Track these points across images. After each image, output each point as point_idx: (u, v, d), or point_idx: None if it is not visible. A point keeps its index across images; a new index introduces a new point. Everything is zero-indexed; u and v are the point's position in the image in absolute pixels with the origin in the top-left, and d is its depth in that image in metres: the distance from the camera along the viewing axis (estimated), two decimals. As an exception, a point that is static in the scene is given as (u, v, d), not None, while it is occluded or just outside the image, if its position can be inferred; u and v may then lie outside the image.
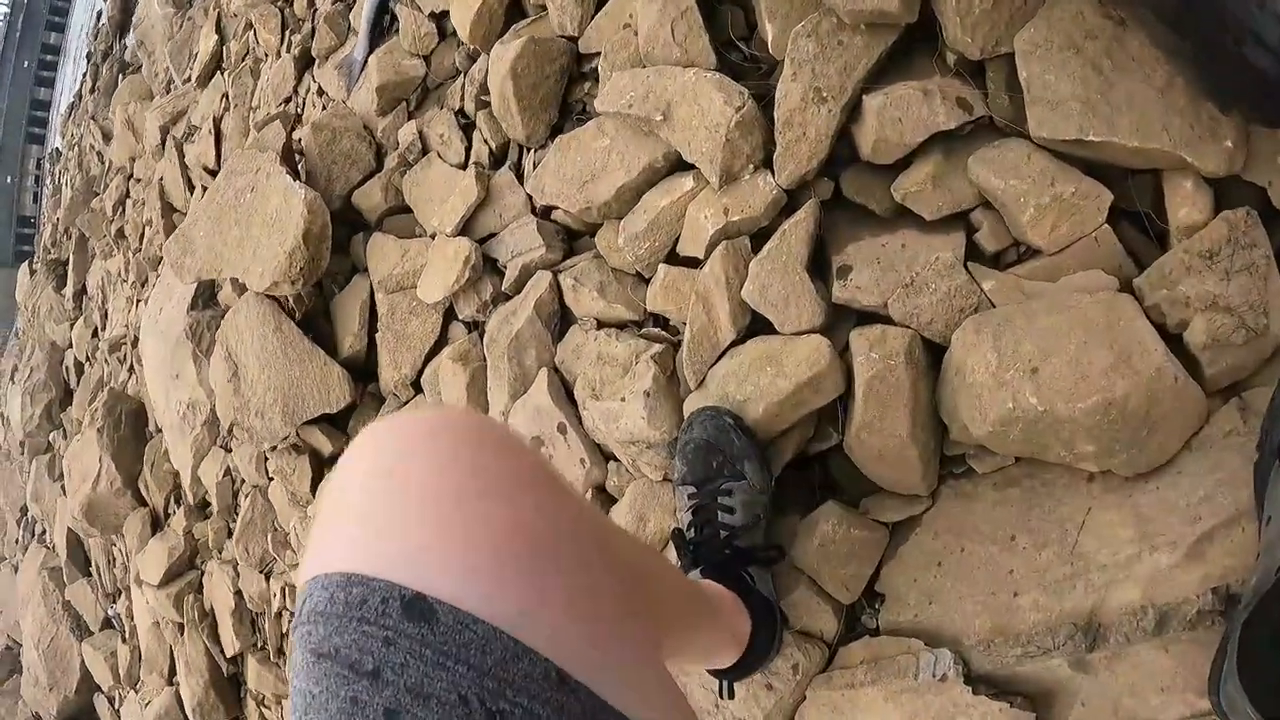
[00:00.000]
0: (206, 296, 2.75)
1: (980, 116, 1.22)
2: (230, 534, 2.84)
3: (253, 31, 3.06)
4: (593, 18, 1.57)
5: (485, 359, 1.70)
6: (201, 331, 2.67)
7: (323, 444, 2.08)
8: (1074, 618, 1.11)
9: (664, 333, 1.44)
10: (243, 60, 3.12)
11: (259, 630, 2.75)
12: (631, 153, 1.45)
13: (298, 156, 2.17)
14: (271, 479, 2.49)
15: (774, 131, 1.31)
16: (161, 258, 3.12)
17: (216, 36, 3.39)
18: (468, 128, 1.81)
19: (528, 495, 0.54)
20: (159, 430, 3.18)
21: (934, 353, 1.22)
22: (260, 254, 2.01)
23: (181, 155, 3.22)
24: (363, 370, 2.03)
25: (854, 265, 1.27)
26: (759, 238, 1.34)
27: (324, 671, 0.48)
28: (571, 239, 1.63)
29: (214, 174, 2.89)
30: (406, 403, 1.89)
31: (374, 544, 0.50)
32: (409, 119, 1.99)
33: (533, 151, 1.65)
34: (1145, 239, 1.17)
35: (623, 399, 1.39)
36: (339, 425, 2.09)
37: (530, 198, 1.65)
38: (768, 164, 1.33)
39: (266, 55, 2.93)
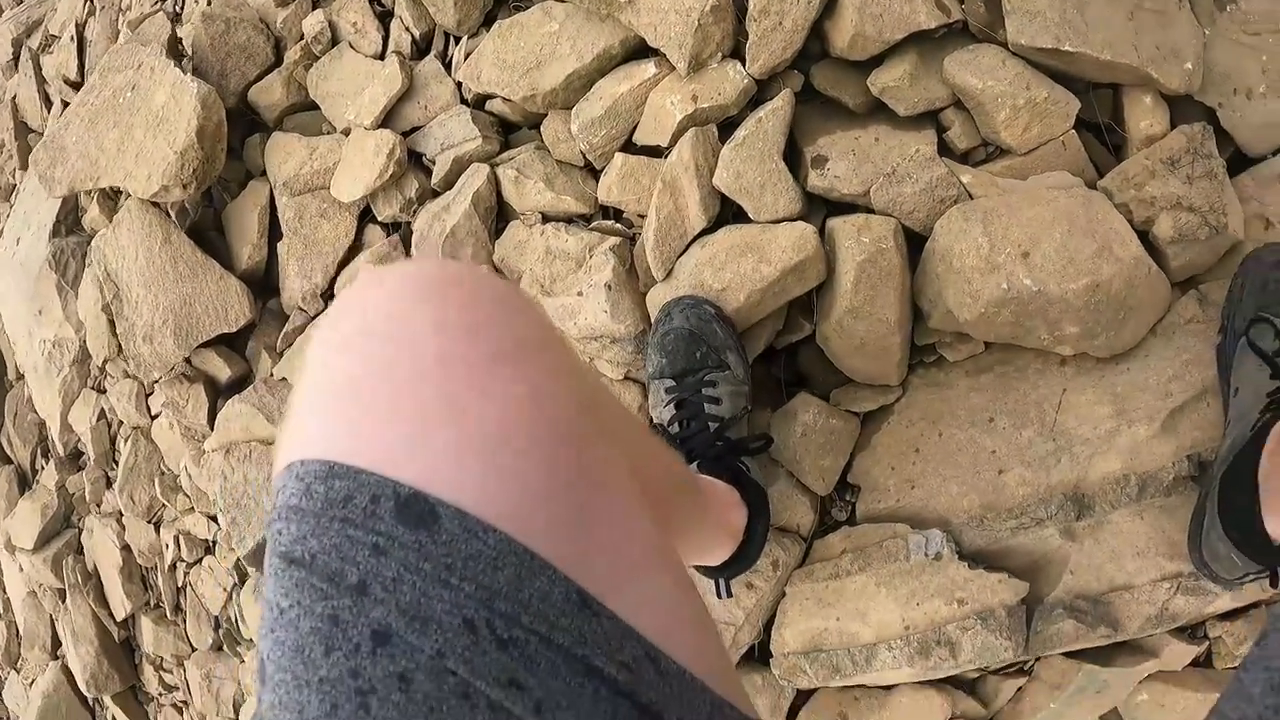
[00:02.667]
0: (70, 221, 2.17)
1: (956, 20, 1.05)
2: (110, 484, 2.28)
3: None
4: (537, -105, 1.25)
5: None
6: (66, 260, 2.10)
7: (219, 369, 1.66)
8: (1062, 489, 0.99)
9: (618, 225, 1.17)
10: None
11: (151, 587, 2.23)
12: (584, 38, 1.17)
13: (184, 52, 1.68)
14: (155, 417, 2.00)
15: (744, 20, 1.07)
16: (15, 185, 2.47)
17: None
18: (384, 16, 1.44)
19: (541, 361, 0.38)
20: (20, 377, 2.52)
21: (911, 242, 1.04)
22: (145, 157, 1.55)
23: (39, 69, 2.53)
24: (262, 284, 1.62)
25: (829, 156, 1.07)
26: (724, 127, 1.10)
27: (295, 581, 0.33)
28: (508, 131, 1.32)
29: (77, 86, 2.27)
30: (315, 316, 1.51)
31: (362, 426, 0.34)
32: (314, 7, 1.56)
33: (465, 39, 1.31)
34: (1102, 148, 1.10)
35: (579, 293, 1.11)
36: (236, 347, 1.67)
37: (460, 87, 1.32)
38: (736, 53, 1.10)
39: None
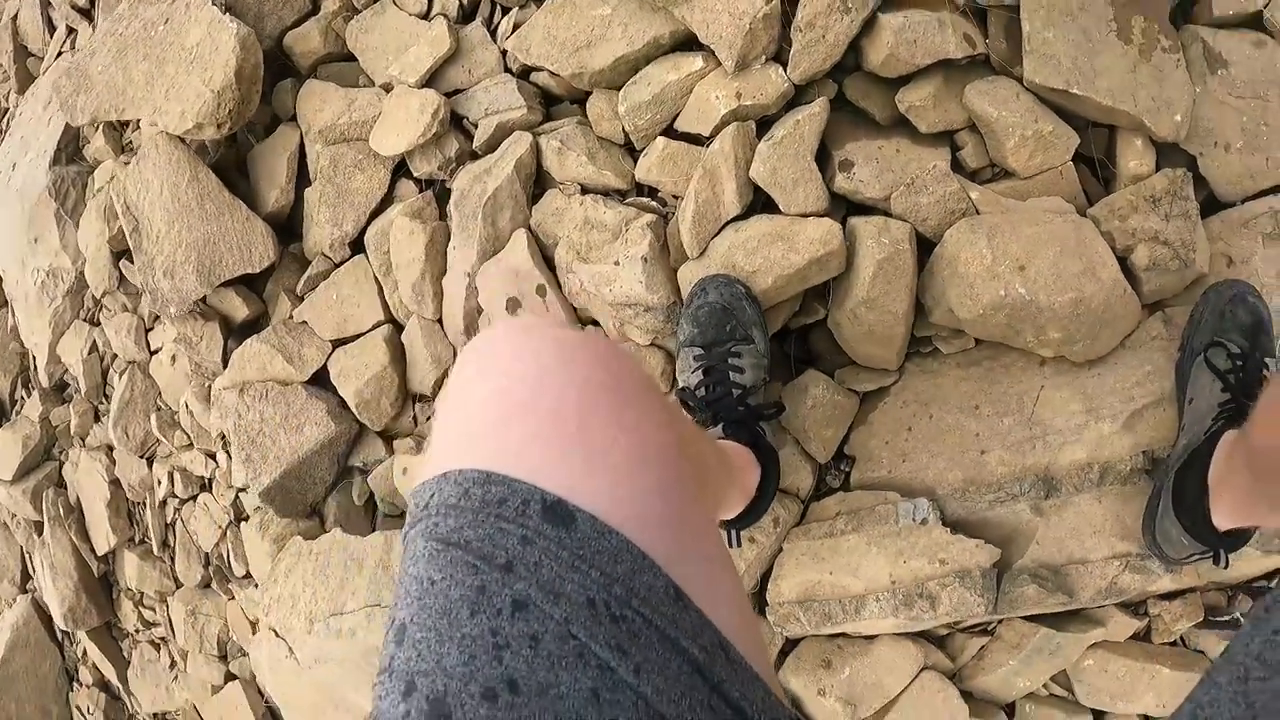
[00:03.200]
0: (70, 150, 2.14)
1: (980, 53, 1.16)
2: (98, 417, 2.26)
3: None
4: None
5: (443, 217, 1.42)
6: (66, 189, 2.08)
7: (236, 308, 1.68)
8: (1034, 471, 1.13)
9: (653, 203, 1.26)
10: None
11: (137, 522, 2.23)
12: (636, 25, 1.25)
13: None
14: (154, 352, 2.00)
15: (789, 29, 1.16)
16: (8, 109, 2.40)
17: None
18: (430, -22, 1.49)
19: (655, 412, 0.49)
20: (5, 305, 2.47)
21: (920, 246, 1.16)
22: (178, 93, 1.56)
23: None
24: (284, 228, 1.65)
25: (855, 161, 1.17)
26: (761, 125, 1.20)
27: (451, 559, 0.41)
28: (549, 103, 1.39)
29: (85, 12, 2.23)
30: (340, 264, 1.56)
31: (518, 447, 0.44)
32: (358, -36, 1.60)
33: (515, 11, 1.37)
34: (1094, 180, 1.23)
35: (616, 263, 1.20)
36: (254, 288, 1.70)
37: (504, 55, 1.38)
38: (778, 58, 1.19)
39: None
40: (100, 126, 2.06)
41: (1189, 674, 1.13)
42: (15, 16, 2.53)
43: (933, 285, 1.14)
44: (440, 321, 1.45)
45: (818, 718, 1.18)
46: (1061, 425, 1.12)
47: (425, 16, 1.47)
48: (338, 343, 1.58)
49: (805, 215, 1.15)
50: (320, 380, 1.62)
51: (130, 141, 2.11)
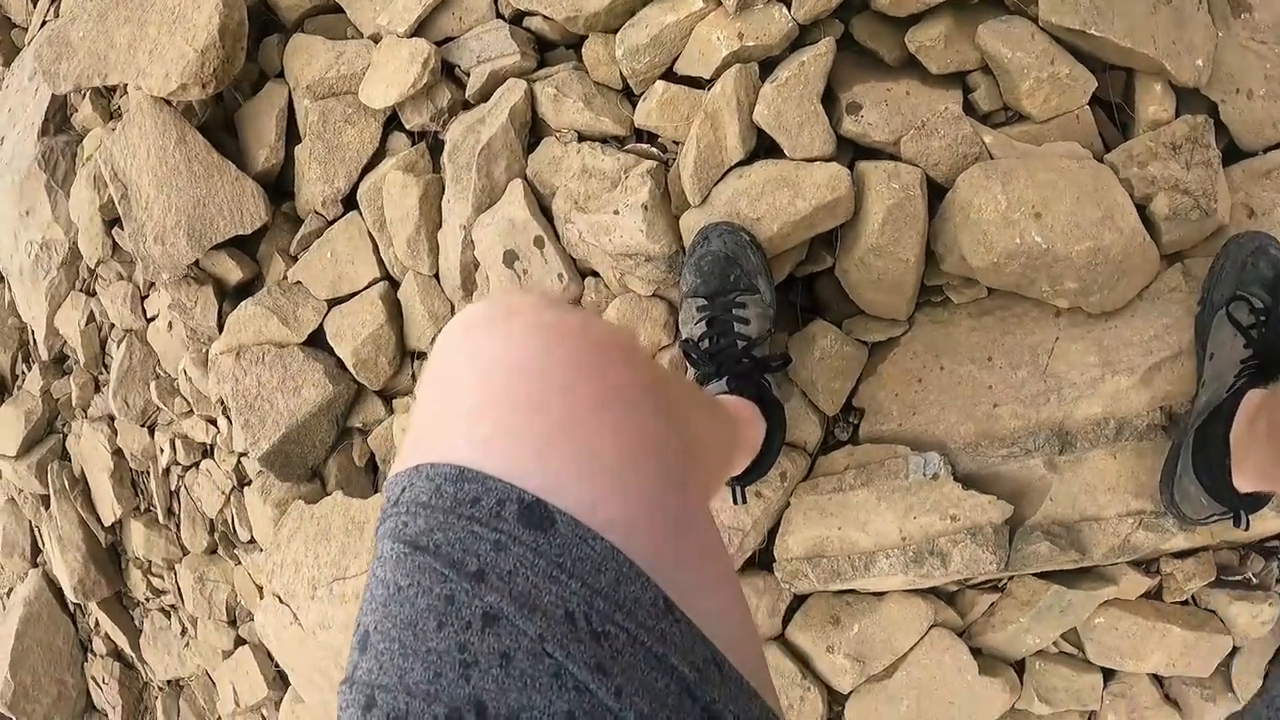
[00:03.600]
0: (59, 120, 2.09)
1: (998, -15, 1.10)
2: (98, 388, 2.22)
3: None
4: None
5: (436, 170, 1.38)
6: (56, 159, 2.03)
7: (229, 271, 1.64)
8: (1049, 425, 1.09)
9: (653, 149, 1.21)
10: None
11: (141, 491, 2.21)
12: (634, -35, 1.18)
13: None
14: (151, 320, 1.96)
15: (794, -37, 1.10)
16: None
17: None
18: (419, -77, 1.42)
19: (650, 403, 0.45)
20: (1, 280, 2.43)
21: (931, 191, 1.11)
22: (161, 55, 1.51)
23: None
24: (275, 188, 1.61)
25: (864, 104, 1.12)
26: (764, 66, 1.14)
27: (418, 565, 0.38)
28: (543, 49, 1.33)
29: None
30: (333, 221, 1.51)
31: (494, 440, 0.40)
32: (341, -92, 1.54)
33: (508, -45, 1.32)
34: (1111, 125, 1.18)
35: (615, 212, 1.16)
36: (247, 250, 1.65)
37: (496, 1, 1.32)
38: (782, -3, 1.13)
39: None
40: (86, 94, 2.01)
41: (1199, 633, 1.10)
42: None
43: (944, 232, 1.09)
44: (436, 276, 1.41)
45: (826, 674, 1.16)
46: (1076, 378, 1.08)
47: (415, -38, 1.40)
48: (333, 302, 1.54)
49: (811, 160, 1.10)
50: (316, 341, 1.58)
51: (118, 108, 2.05)
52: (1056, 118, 1.12)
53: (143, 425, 2.12)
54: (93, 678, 2.65)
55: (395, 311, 1.46)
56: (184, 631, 2.33)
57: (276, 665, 2.04)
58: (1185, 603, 1.16)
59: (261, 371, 1.58)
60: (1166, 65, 1.07)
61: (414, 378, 1.51)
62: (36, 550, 2.65)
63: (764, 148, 1.15)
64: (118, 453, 2.20)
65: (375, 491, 1.57)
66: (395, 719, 0.34)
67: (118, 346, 2.11)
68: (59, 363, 2.40)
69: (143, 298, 2.03)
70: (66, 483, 2.33)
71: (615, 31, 1.21)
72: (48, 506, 2.41)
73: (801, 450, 1.14)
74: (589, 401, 0.41)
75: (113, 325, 2.16)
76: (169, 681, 2.45)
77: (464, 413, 0.41)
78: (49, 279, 2.19)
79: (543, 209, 1.26)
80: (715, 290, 1.05)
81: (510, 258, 1.25)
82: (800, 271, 1.18)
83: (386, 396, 1.53)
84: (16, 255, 2.26)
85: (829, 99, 1.13)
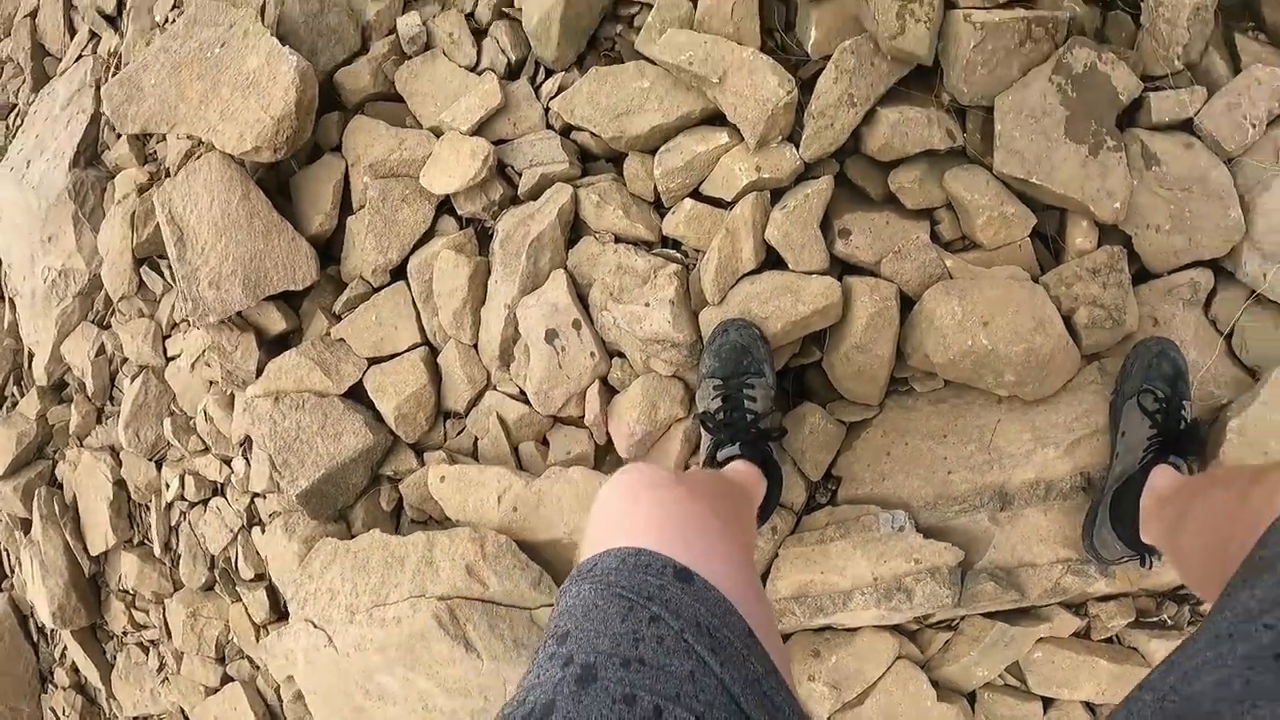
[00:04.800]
0: (89, 154, 2.39)
1: (959, 145, 1.53)
2: (101, 419, 2.51)
3: None
4: (640, -30, 1.66)
5: (482, 253, 1.73)
6: (86, 192, 2.34)
7: (273, 322, 1.97)
8: (992, 488, 1.51)
9: (677, 254, 1.58)
10: None
11: (138, 524, 2.47)
12: (671, 99, 1.59)
13: (269, 21, 1.97)
14: (171, 359, 2.26)
15: (803, 115, 1.51)
16: (16, 104, 2.63)
17: None
18: (477, 33, 1.81)
19: (731, 523, 0.88)
20: (2, 300, 2.67)
21: (902, 302, 1.53)
22: (234, 115, 1.85)
23: None
24: (323, 252, 1.94)
25: (853, 230, 1.52)
26: (775, 194, 1.54)
27: (609, 593, 0.70)
28: (585, 159, 1.71)
29: (109, 19, 2.49)
30: (379, 288, 1.87)
31: (657, 539, 0.75)
32: (405, 9, 1.90)
33: (560, 74, 1.70)
34: (1046, 252, 1.60)
35: (646, 304, 1.53)
36: (291, 304, 1.99)
37: (547, 112, 1.70)
38: (792, 139, 1.54)
39: None
40: (124, 135, 2.31)
41: (1123, 666, 1.50)
42: (34, 14, 2.77)
43: (912, 335, 1.50)
44: (475, 347, 1.75)
45: (808, 700, 1.51)
46: (1014, 451, 1.50)
47: (474, 69, 1.79)
48: (373, 360, 1.88)
49: (810, 273, 1.50)
50: (353, 394, 1.90)
51: (154, 152, 2.38)
52: (1003, 247, 1.54)
53: (151, 459, 2.40)
54: (51, 709, 2.84)
55: (435, 374, 1.80)
56: (162, 667, 2.56)
57: (266, 701, 2.29)
58: (1110, 640, 1.55)
59: (301, 416, 1.89)
60: (1091, 207, 1.50)
61: (445, 435, 1.84)
62: (5, 572, 2.83)
63: (772, 260, 1.55)
64: (120, 484, 2.48)
65: (398, 533, 1.88)
66: (586, 665, 0.62)
67: (130, 381, 2.41)
68: (58, 389, 2.66)
69: (164, 336, 2.33)
70: (56, 509, 2.57)
71: (652, 153, 1.61)
72: (28, 531, 2.64)
73: (789, 510, 1.53)
74: (703, 525, 0.81)
75: (125, 359, 2.45)
76: (135, 718, 2.65)
77: (635, 529, 0.77)
78: (62, 306, 2.48)
79: (580, 296, 1.62)
80: (730, 373, 1.43)
81: (551, 335, 1.61)
82: (795, 362, 1.58)
83: (419, 450, 1.86)
84: (30, 279, 2.54)
85: (826, 224, 1.54)
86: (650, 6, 1.61)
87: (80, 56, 2.66)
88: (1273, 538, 0.73)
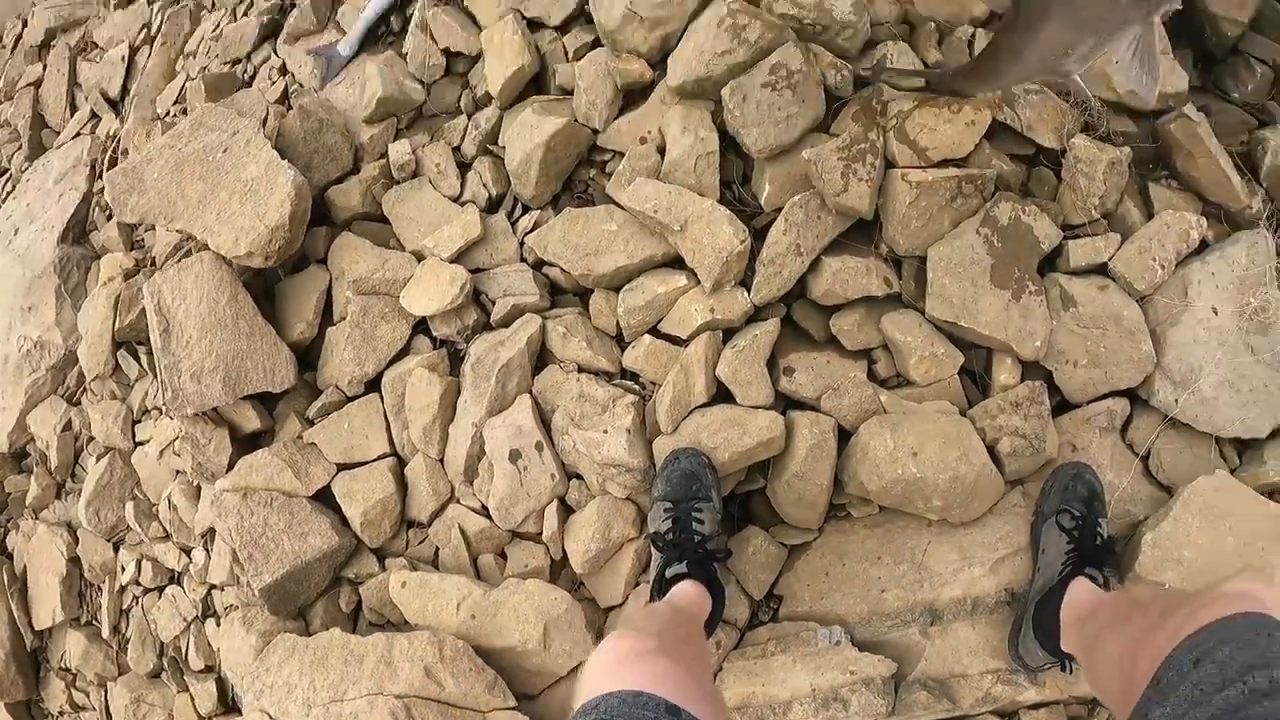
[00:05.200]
0: (78, 231, 2.52)
1: (895, 292, 1.72)
2: (61, 493, 2.57)
3: None
4: (614, 120, 1.87)
5: (453, 374, 1.89)
6: (71, 268, 2.47)
7: (248, 420, 2.08)
8: (923, 604, 1.66)
9: (635, 385, 1.75)
10: (179, 1, 2.86)
11: (88, 603, 2.52)
12: (636, 243, 1.77)
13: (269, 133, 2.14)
14: (140, 444, 2.36)
15: (754, 262, 1.70)
16: (9, 170, 2.76)
17: None
18: (463, 165, 1.99)
19: (694, 665, 1.12)
20: None
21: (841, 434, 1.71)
22: (230, 219, 2.00)
23: (74, 70, 2.86)
24: (301, 358, 2.08)
25: (796, 369, 1.70)
26: (726, 333, 1.72)
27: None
28: (554, 292, 1.88)
29: (112, 103, 2.66)
30: (353, 398, 2.00)
31: (649, 682, 0.96)
32: (397, 137, 2.09)
33: (535, 211, 1.88)
34: (974, 387, 1.78)
35: (605, 431, 1.69)
36: (266, 404, 2.10)
37: (521, 246, 1.88)
38: (744, 284, 1.73)
39: (216, 6, 2.73)
40: (114, 218, 2.46)
41: None
42: (39, 84, 2.92)
43: (849, 465, 1.67)
44: (442, 461, 1.90)
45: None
46: (943, 570, 1.66)
47: (457, 199, 1.97)
48: (342, 466, 2.00)
49: (756, 407, 1.67)
50: (320, 496, 2.02)
51: (142, 240, 2.52)
52: (934, 383, 1.71)
53: (109, 540, 2.47)
54: (-22, 783, 2.81)
55: (401, 484, 1.93)
56: (96, 749, 2.57)
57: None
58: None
59: (269, 514, 2.00)
60: (1014, 346, 1.68)
61: (407, 543, 1.96)
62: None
63: (722, 394, 1.71)
64: (74, 561, 2.53)
65: (355, 634, 1.99)
66: None
67: (96, 460, 2.49)
68: (17, 459, 2.72)
69: (135, 421, 2.43)
70: (4, 578, 2.61)
71: (616, 290, 1.78)
72: (-31, 598, 2.64)
73: (734, 626, 1.67)
74: (682, 676, 0.99)
75: (92, 438, 2.53)
76: (66, 800, 2.66)
77: (629, 677, 0.97)
78: (34, 377, 2.58)
79: (543, 420, 1.77)
80: (680, 497, 1.58)
81: (515, 455, 1.76)
82: (741, 488, 1.74)
83: (381, 555, 1.98)
84: (4, 345, 2.63)
85: (772, 362, 1.71)
86: (622, 155, 1.81)
87: (79, 134, 2.82)
88: (1175, 663, 0.90)
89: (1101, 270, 1.77)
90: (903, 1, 1.82)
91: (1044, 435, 1.66)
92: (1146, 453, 1.73)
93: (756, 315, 1.74)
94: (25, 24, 3.52)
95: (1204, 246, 1.80)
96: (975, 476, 1.62)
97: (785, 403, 1.73)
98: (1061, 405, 1.75)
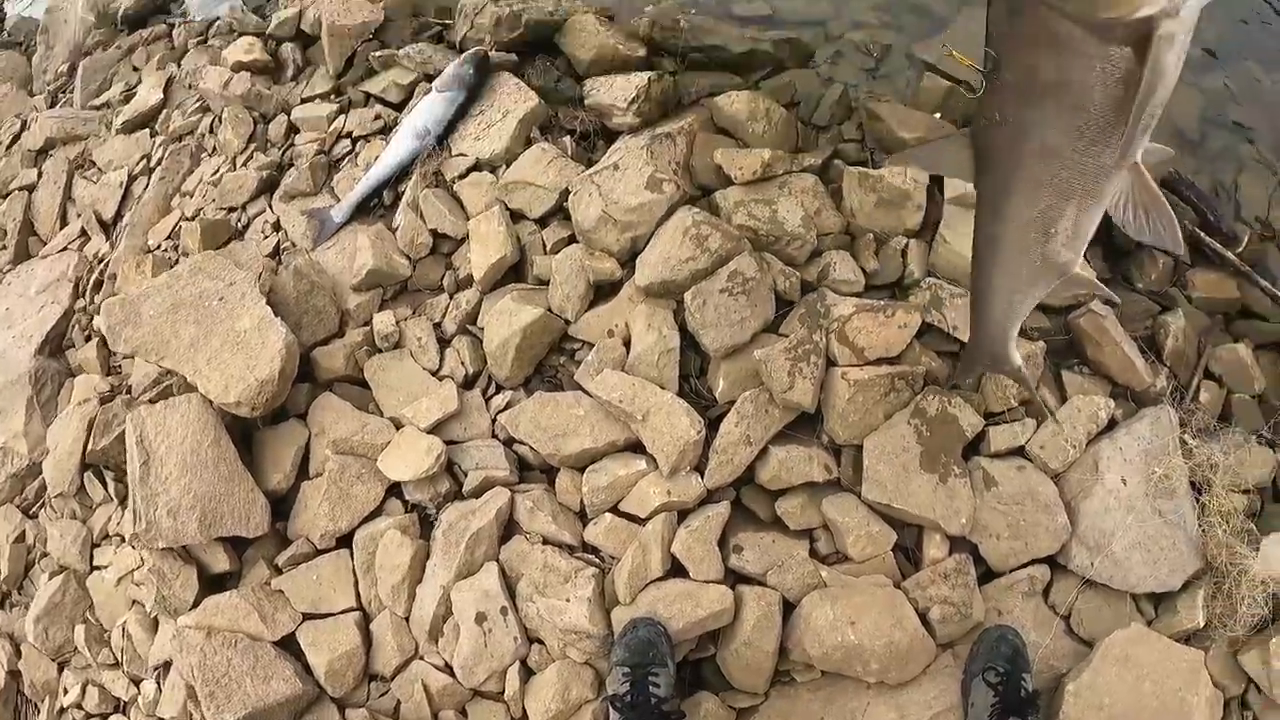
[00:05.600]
0: (55, 344, 2.64)
1: (834, 478, 1.92)
2: (5, 603, 2.60)
3: (211, 119, 2.98)
4: (585, 313, 2.07)
5: (423, 537, 2.05)
6: (45, 381, 2.57)
7: (218, 561, 2.18)
8: None
9: (596, 559, 1.93)
10: (182, 139, 3.02)
11: (20, 719, 2.54)
12: (601, 428, 1.97)
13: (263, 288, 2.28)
14: (96, 568, 2.43)
15: (708, 450, 1.90)
16: None
17: (161, 96, 3.21)
18: (443, 341, 2.17)
19: None
20: None
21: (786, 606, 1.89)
22: (220, 367, 2.14)
23: (70, 184, 3.00)
24: (275, 507, 2.20)
25: (745, 547, 1.89)
26: (681, 514, 1.91)
27: None
28: (523, 467, 2.06)
29: (105, 226, 2.80)
30: (323, 552, 2.12)
31: None
32: (382, 307, 2.27)
33: (508, 391, 2.07)
34: (907, 562, 1.97)
35: (567, 600, 1.85)
36: (237, 548, 2.21)
37: (494, 423, 2.06)
38: (698, 469, 1.93)
39: (217, 151, 2.89)
40: (95, 340, 2.58)
41: None
42: (32, 189, 3.03)
43: (792, 634, 1.84)
44: (408, 619, 2.03)
45: None
46: None
47: (435, 373, 2.14)
48: (308, 615, 2.11)
49: (708, 582, 1.85)
50: (283, 642, 2.13)
51: (119, 366, 2.63)
52: (870, 559, 1.91)
53: (55, 660, 2.49)
54: None
55: (367, 638, 2.06)
56: None
57: None
58: None
59: (233, 655, 2.09)
60: (942, 524, 1.89)
61: (368, 694, 2.07)
62: None
63: (676, 569, 1.89)
64: (14, 674, 2.55)
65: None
66: None
67: (49, 578, 2.52)
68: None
69: (94, 544, 2.49)
70: (-57, 681, 2.58)
71: (581, 470, 1.96)
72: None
73: (686, 786, 1.81)
74: None
75: (46, 554, 2.57)
76: None
77: None
78: None
79: (508, 587, 1.93)
80: (638, 663, 1.75)
81: (480, 618, 1.90)
82: (693, 655, 1.90)
83: (342, 705, 2.08)
84: None
85: (723, 541, 1.90)
86: (591, 345, 2.02)
87: (66, 248, 2.93)
88: None
89: (1020, 452, 1.99)
90: (845, 215, 2.08)
91: (971, 602, 1.85)
92: (1068, 612, 1.93)
93: (709, 498, 1.93)
94: (25, 125, 3.66)
95: (1113, 424, 2.03)
96: (909, 642, 1.80)
97: (735, 577, 1.90)
98: (987, 574, 1.94)
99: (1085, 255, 2.28)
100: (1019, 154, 1.28)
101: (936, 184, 2.14)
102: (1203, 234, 2.33)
